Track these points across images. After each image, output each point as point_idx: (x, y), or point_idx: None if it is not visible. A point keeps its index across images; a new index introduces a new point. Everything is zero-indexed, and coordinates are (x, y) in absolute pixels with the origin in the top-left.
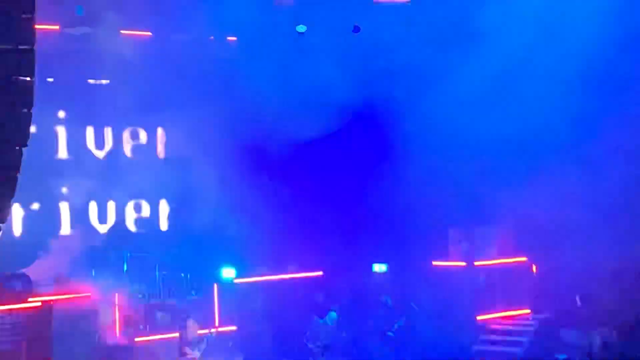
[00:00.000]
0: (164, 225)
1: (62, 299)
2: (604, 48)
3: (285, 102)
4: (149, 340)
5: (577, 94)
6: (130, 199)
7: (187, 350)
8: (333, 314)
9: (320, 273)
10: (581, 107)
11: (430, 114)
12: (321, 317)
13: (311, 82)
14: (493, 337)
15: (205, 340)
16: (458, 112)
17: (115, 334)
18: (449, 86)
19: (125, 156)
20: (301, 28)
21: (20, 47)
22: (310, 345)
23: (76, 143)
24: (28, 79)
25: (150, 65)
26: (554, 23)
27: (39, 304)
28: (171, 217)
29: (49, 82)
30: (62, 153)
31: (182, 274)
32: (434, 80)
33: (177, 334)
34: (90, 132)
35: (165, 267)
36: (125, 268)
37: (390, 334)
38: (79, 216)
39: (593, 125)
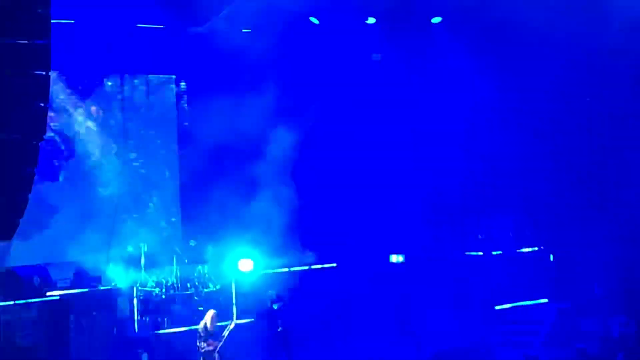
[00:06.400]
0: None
1: (80, 293)
2: None
3: None
4: (167, 333)
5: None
6: None
7: (208, 342)
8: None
9: (334, 264)
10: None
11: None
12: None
13: None
14: (511, 326)
15: (224, 332)
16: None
17: (134, 326)
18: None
19: None
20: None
21: (36, 41)
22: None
23: None
24: (44, 73)
25: None
26: None
27: (58, 297)
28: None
29: None
30: None
31: (200, 267)
32: None
33: (195, 327)
34: None
35: (183, 260)
36: (142, 261)
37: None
38: None
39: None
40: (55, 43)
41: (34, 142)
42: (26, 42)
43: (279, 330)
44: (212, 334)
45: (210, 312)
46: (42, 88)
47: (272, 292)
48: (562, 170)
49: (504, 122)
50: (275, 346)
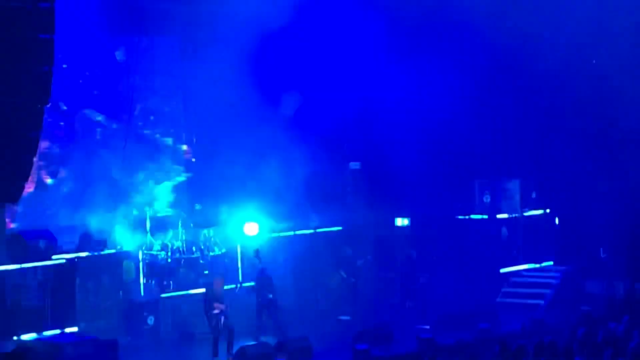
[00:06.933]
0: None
1: (87, 256)
2: None
3: None
4: (173, 296)
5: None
6: None
7: (214, 304)
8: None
9: (340, 228)
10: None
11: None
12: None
13: None
14: (516, 289)
15: (230, 295)
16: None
17: (140, 290)
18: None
19: None
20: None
21: (40, 4)
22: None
23: None
24: (48, 36)
25: None
26: None
27: (64, 261)
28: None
29: None
30: None
31: (206, 230)
32: None
33: (200, 290)
34: None
35: (189, 223)
36: (148, 225)
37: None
38: None
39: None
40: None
41: (39, 106)
42: (31, 5)
43: (269, 297)
44: (218, 298)
45: (218, 276)
46: (47, 52)
47: (258, 256)
48: (568, 134)
49: (511, 84)
50: (264, 313)
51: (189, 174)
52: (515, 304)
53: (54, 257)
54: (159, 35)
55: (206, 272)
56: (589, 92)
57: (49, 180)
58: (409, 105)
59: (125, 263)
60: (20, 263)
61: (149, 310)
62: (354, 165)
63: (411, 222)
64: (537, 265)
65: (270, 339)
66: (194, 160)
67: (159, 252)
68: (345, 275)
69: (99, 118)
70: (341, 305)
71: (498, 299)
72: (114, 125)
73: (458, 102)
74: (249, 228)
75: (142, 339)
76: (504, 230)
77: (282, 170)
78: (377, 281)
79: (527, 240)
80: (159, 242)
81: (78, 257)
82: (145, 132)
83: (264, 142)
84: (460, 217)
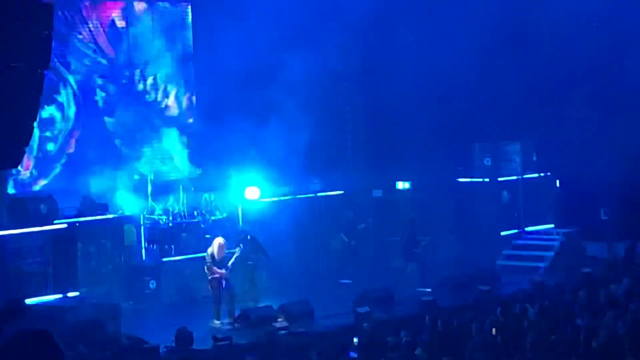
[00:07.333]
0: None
1: (87, 221)
2: None
3: None
4: (174, 260)
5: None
6: None
7: (215, 269)
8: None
9: (340, 192)
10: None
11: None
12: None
13: None
14: (517, 252)
15: (231, 259)
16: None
17: (141, 254)
18: None
19: None
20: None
21: None
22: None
23: None
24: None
25: None
26: None
27: (65, 225)
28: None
29: None
30: None
31: (207, 194)
32: None
33: (202, 254)
34: None
35: (190, 188)
36: (149, 189)
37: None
38: None
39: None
40: None
41: (39, 71)
42: None
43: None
44: (219, 262)
45: (218, 240)
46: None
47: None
48: (569, 96)
49: (512, 46)
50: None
51: (190, 139)
52: (516, 266)
53: (55, 221)
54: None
55: (207, 236)
56: (590, 53)
57: (49, 145)
58: (410, 68)
59: (126, 227)
60: (22, 227)
61: (150, 274)
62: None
63: (412, 185)
64: (538, 228)
65: (271, 302)
66: (190, 120)
67: (160, 217)
68: (346, 239)
69: (100, 82)
70: (342, 269)
71: (499, 262)
72: (114, 89)
73: (458, 65)
74: (250, 192)
75: (144, 303)
76: (505, 193)
77: (283, 134)
78: (378, 244)
79: (527, 202)
80: (160, 206)
81: (79, 222)
82: (146, 96)
83: (265, 105)
84: (461, 180)
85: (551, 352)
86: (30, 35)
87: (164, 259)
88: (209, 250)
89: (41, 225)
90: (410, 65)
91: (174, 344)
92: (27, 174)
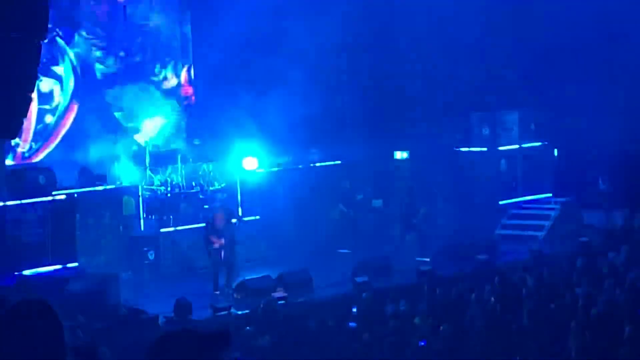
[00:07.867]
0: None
1: (86, 192)
2: None
3: None
4: (173, 231)
5: None
6: None
7: (214, 239)
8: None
9: (339, 162)
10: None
11: None
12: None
13: None
14: (515, 221)
15: (230, 229)
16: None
17: (140, 225)
18: None
19: None
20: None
21: None
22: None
23: None
24: None
25: None
26: None
27: (63, 197)
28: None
29: None
30: None
31: (205, 165)
32: None
33: (200, 225)
34: None
35: (188, 158)
36: (147, 160)
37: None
38: None
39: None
40: None
41: (36, 41)
42: None
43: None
44: (218, 232)
45: (217, 211)
46: None
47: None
48: (566, 65)
49: (511, 15)
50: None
51: (188, 109)
52: (514, 235)
53: (53, 192)
54: None
55: (206, 206)
56: (588, 22)
57: (48, 118)
58: (409, 39)
59: (125, 198)
60: (20, 199)
61: (149, 245)
62: None
63: (410, 155)
64: (536, 197)
65: (270, 272)
66: (189, 91)
67: (158, 187)
68: (345, 209)
69: (98, 54)
70: (341, 239)
71: (497, 231)
72: (113, 61)
73: (457, 34)
74: (248, 162)
75: (143, 273)
76: (503, 162)
77: (281, 104)
78: (376, 214)
79: (525, 172)
80: (159, 177)
81: (78, 193)
82: (145, 67)
83: (263, 76)
84: (459, 149)
85: (550, 321)
86: (27, 5)
87: (163, 230)
88: (208, 220)
89: (40, 197)
90: (409, 35)
91: (173, 314)
92: (27, 146)
